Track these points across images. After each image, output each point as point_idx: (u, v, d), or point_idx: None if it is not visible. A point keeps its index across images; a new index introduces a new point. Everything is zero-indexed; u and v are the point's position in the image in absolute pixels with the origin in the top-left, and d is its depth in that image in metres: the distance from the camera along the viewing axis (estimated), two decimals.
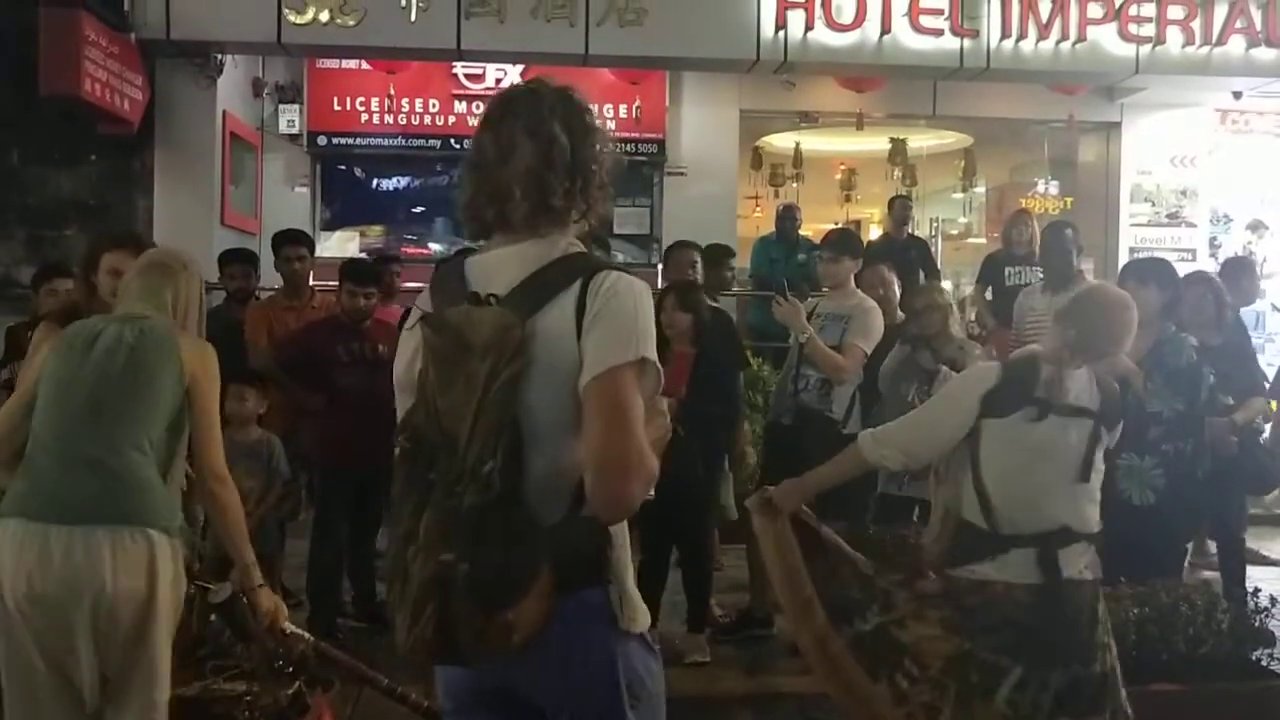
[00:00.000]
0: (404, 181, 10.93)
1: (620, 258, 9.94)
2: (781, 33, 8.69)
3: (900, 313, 6.01)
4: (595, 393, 1.94)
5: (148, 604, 3.08)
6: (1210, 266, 10.33)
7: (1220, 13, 9.00)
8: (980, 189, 13.97)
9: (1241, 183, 11.31)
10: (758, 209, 13.28)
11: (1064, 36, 8.92)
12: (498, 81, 10.27)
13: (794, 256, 9.63)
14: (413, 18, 8.37)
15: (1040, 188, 12.00)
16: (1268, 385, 6.19)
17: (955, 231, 14.75)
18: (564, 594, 1.94)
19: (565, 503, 1.99)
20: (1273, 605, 4.73)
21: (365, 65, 10.16)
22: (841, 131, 11.71)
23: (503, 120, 2.12)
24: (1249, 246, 10.97)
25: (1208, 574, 6.31)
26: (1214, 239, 11.18)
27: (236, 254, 7.12)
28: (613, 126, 10.06)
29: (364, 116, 10.37)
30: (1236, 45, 9.06)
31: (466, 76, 10.36)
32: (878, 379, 5.50)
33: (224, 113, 9.13)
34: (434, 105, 10.41)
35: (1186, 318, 5.61)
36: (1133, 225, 10.78)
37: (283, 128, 10.26)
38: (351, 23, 8.35)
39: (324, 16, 8.32)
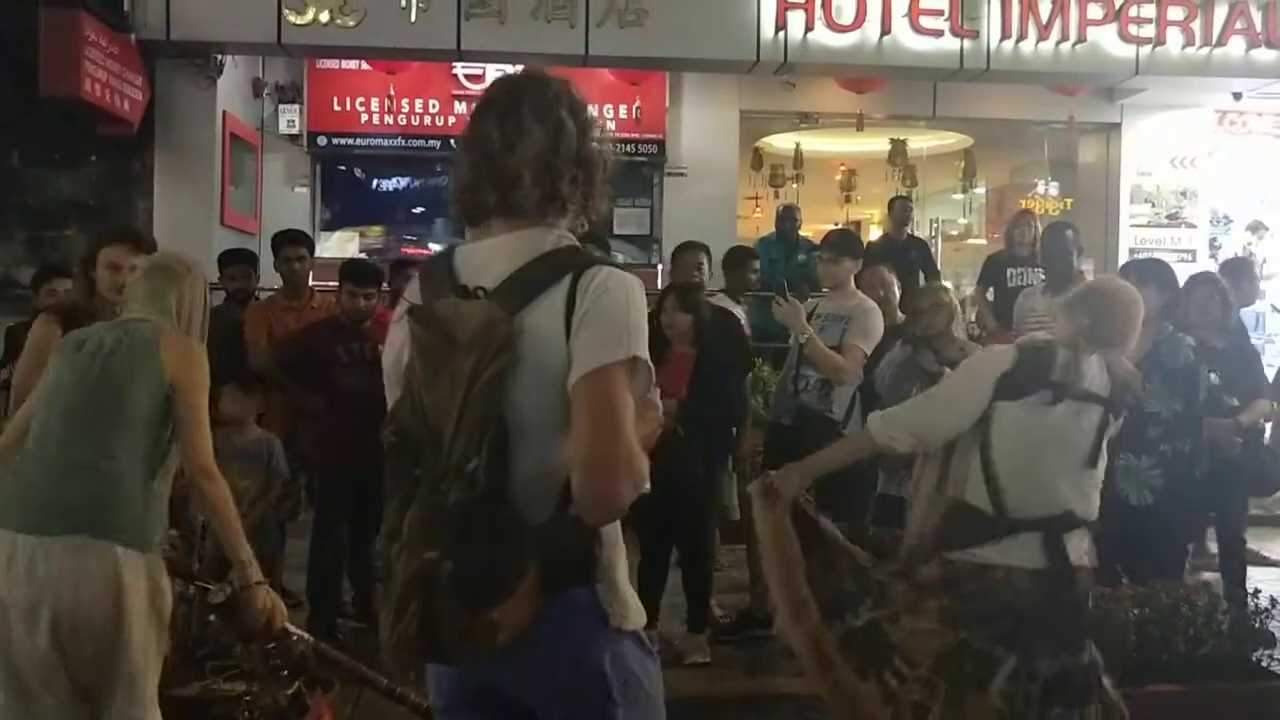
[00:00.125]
0: (404, 182, 10.93)
1: (620, 258, 9.94)
2: (781, 33, 8.70)
3: (900, 314, 6.01)
4: (584, 391, 1.91)
5: (116, 620, 3.00)
6: (1210, 267, 10.35)
7: (1220, 14, 9.01)
8: (980, 190, 13.98)
9: (1241, 184, 11.31)
10: (758, 209, 13.28)
11: (1064, 37, 8.92)
12: (484, 90, 10.25)
13: (794, 257, 9.62)
14: (413, 18, 8.38)
15: (1040, 189, 12.01)
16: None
17: (955, 232, 14.75)
18: (551, 593, 1.91)
19: (552, 502, 1.95)
20: (1273, 606, 4.73)
21: (365, 66, 10.16)
22: (841, 132, 11.71)
23: (511, 106, 2.08)
24: (1249, 247, 10.98)
25: (1208, 575, 6.30)
26: (1214, 240, 11.18)
27: (236, 254, 7.12)
28: (613, 127, 10.05)
29: (364, 117, 10.38)
30: (1236, 46, 9.07)
31: (466, 77, 10.36)
32: (875, 379, 5.49)
33: (224, 113, 9.13)
34: (434, 106, 10.41)
35: (1193, 318, 5.62)
36: (1133, 226, 10.78)
37: (283, 128, 10.26)
38: (351, 23, 8.35)
39: (324, 17, 8.32)
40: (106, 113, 8.03)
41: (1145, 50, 9.02)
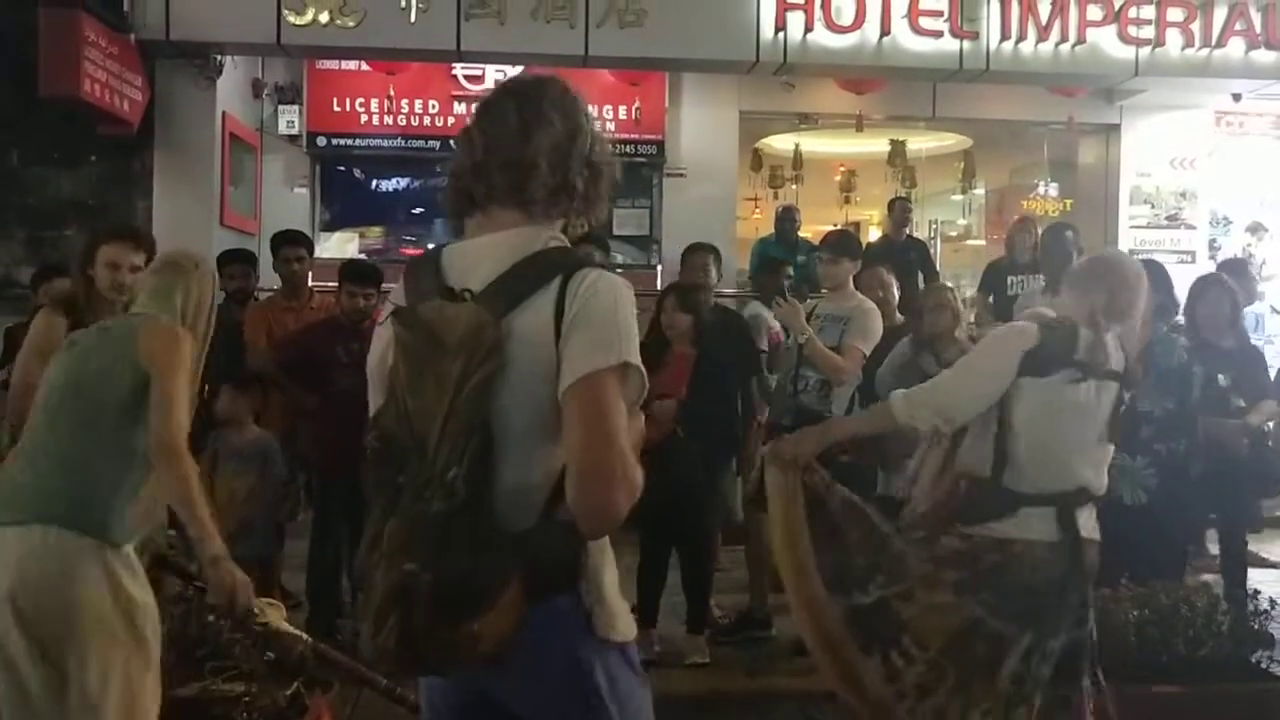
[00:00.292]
0: (403, 182, 10.92)
1: (619, 258, 9.94)
2: (781, 34, 8.69)
3: (899, 315, 6.01)
4: (575, 399, 1.86)
5: (66, 613, 2.96)
6: (1209, 269, 10.35)
7: (1220, 15, 9.01)
8: (980, 191, 13.99)
9: (1241, 185, 11.31)
10: (757, 210, 13.28)
11: (1063, 38, 8.92)
12: (497, 83, 10.22)
13: (793, 258, 9.62)
14: (412, 19, 8.37)
15: (1040, 190, 12.01)
16: None
17: (954, 233, 14.77)
18: (536, 601, 1.87)
19: (538, 509, 1.91)
20: (1272, 607, 4.73)
21: (365, 66, 10.15)
22: (841, 133, 11.71)
23: (533, 96, 2.05)
24: (1248, 248, 10.98)
25: (1207, 576, 6.30)
26: (1213, 241, 11.18)
27: (235, 254, 7.12)
28: (612, 128, 10.06)
29: (363, 117, 10.36)
30: (1236, 47, 9.06)
31: (466, 78, 10.35)
32: (876, 381, 5.49)
33: (223, 113, 9.12)
34: (433, 106, 10.40)
35: (1201, 320, 5.63)
36: (1132, 227, 10.77)
37: (282, 129, 10.25)
38: (351, 24, 8.35)
39: (324, 17, 8.32)
40: (106, 113, 8.03)
41: (1145, 51, 9.02)
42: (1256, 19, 9.04)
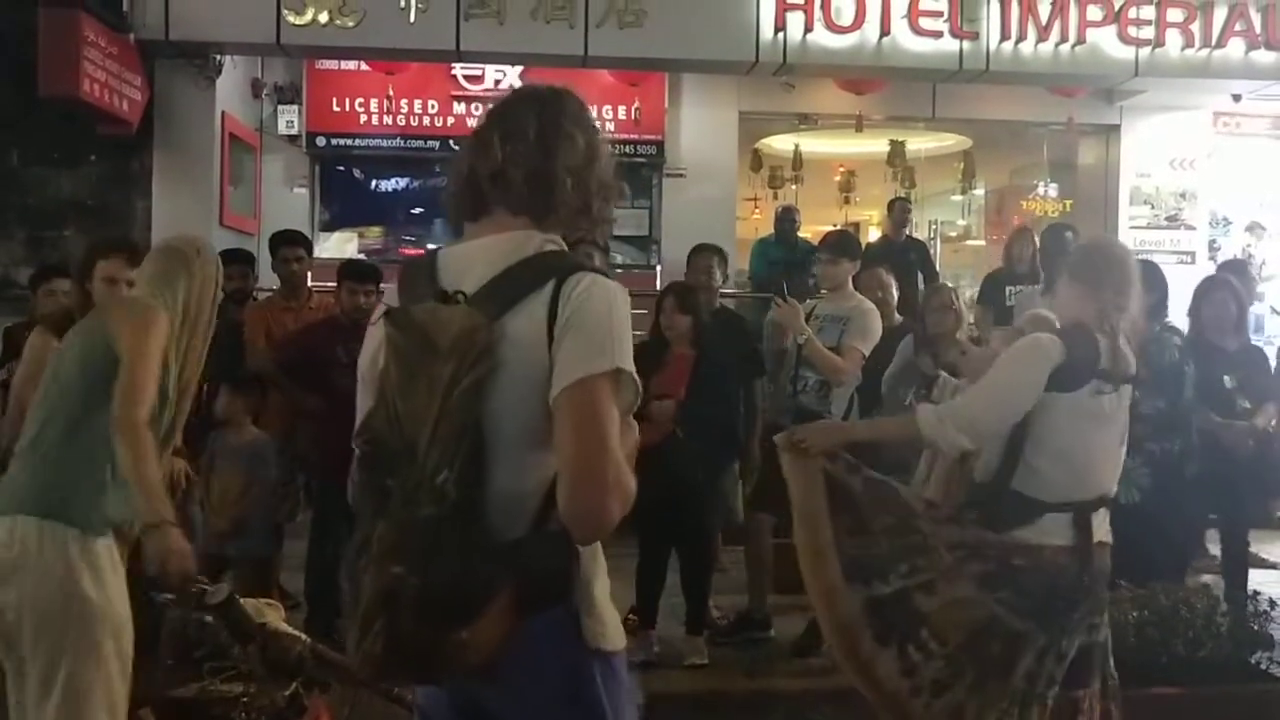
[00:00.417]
0: (403, 183, 10.92)
1: (619, 259, 9.94)
2: (781, 34, 8.69)
3: (898, 315, 6.00)
4: (567, 404, 1.84)
5: (20, 604, 2.96)
6: (1209, 269, 10.35)
7: (1220, 15, 9.00)
8: (979, 191, 13.99)
9: (1240, 185, 11.31)
10: (757, 211, 13.28)
11: (1063, 39, 8.91)
12: (496, 83, 10.27)
13: (793, 258, 9.62)
14: (412, 19, 8.36)
15: (1040, 190, 12.02)
16: None
17: (954, 234, 14.77)
18: (527, 612, 1.85)
19: (529, 517, 1.89)
20: (1272, 608, 4.73)
21: (364, 66, 10.15)
22: (841, 133, 11.71)
23: (551, 109, 2.05)
24: (1248, 249, 10.98)
25: (1207, 577, 6.30)
26: (1213, 241, 11.18)
27: (233, 255, 7.09)
28: (612, 128, 10.07)
29: (363, 117, 10.36)
30: (1236, 48, 9.06)
31: (465, 78, 10.36)
32: (882, 382, 5.49)
33: (223, 113, 9.12)
34: (433, 106, 10.40)
35: (1206, 322, 5.63)
36: (1132, 228, 10.76)
37: (282, 129, 10.25)
38: (351, 24, 8.34)
39: (323, 17, 8.31)
40: (105, 113, 8.02)
41: (1145, 52, 9.01)
42: (1256, 19, 9.03)
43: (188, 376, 3.37)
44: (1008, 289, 7.88)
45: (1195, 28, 8.99)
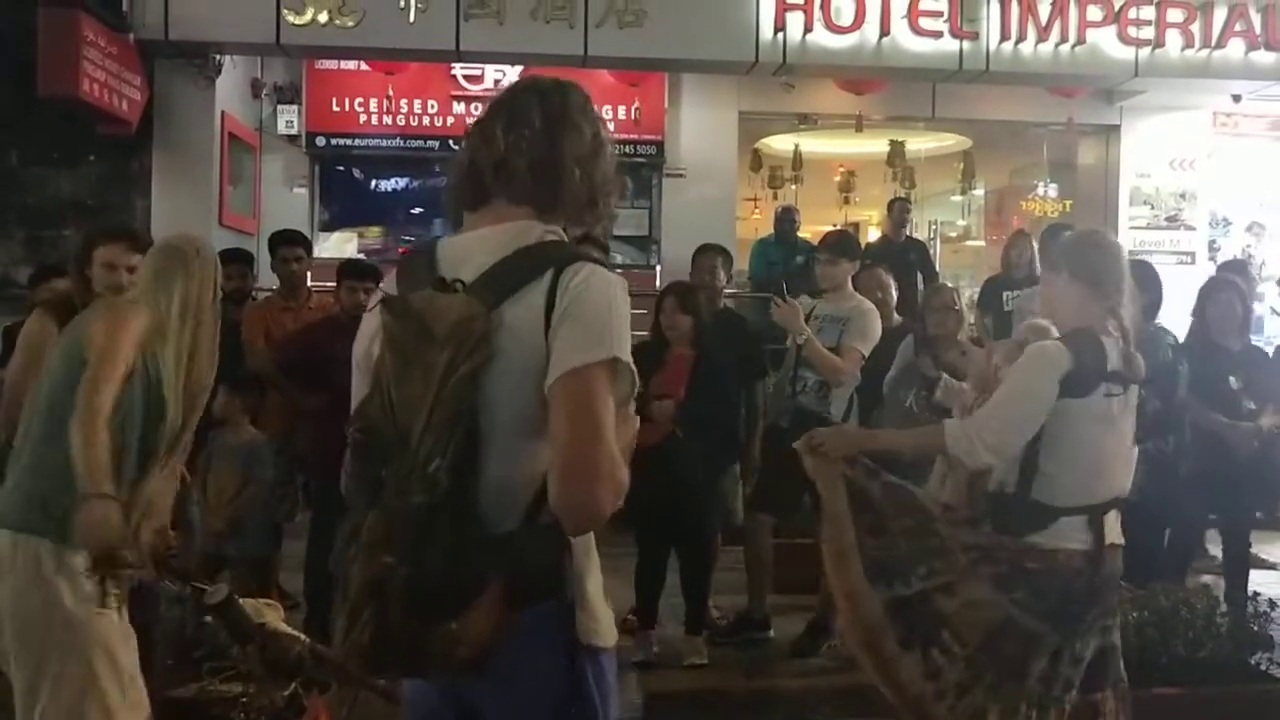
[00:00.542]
0: (403, 182, 10.93)
1: (619, 259, 9.94)
2: (780, 34, 8.69)
3: (897, 316, 5.99)
4: (562, 393, 1.82)
5: (9, 611, 2.95)
6: (1209, 270, 10.35)
7: (1220, 16, 9.01)
8: (979, 191, 13.99)
9: (1240, 186, 11.31)
10: (756, 211, 13.29)
11: (1063, 39, 8.92)
12: (496, 83, 10.27)
13: (793, 258, 9.62)
14: (411, 19, 8.37)
15: (1039, 190, 12.02)
16: None
17: (954, 234, 14.78)
18: (519, 607, 1.82)
19: (521, 510, 1.87)
20: (1272, 609, 4.72)
21: (364, 66, 10.15)
22: (840, 134, 11.71)
23: (555, 100, 2.03)
24: (1248, 249, 10.98)
25: (1206, 577, 6.30)
26: (1213, 242, 11.19)
27: (232, 254, 7.08)
28: (612, 128, 10.00)
29: (363, 117, 10.37)
30: (1236, 48, 9.06)
31: (465, 78, 10.36)
32: (884, 384, 5.48)
33: (222, 113, 9.12)
34: (433, 106, 10.41)
35: (1210, 321, 5.62)
36: (1132, 228, 10.77)
37: (281, 128, 10.26)
38: (350, 24, 8.34)
39: (323, 17, 8.31)
40: (105, 112, 8.03)
41: (1144, 52, 9.01)
42: (1256, 20, 9.03)
43: (196, 379, 3.33)
44: (1004, 294, 7.85)
45: (1195, 28, 9.00)
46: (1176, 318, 5.80)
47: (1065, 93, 10.20)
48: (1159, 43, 8.99)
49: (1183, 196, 10.82)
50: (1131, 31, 8.96)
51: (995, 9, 8.86)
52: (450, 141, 10.28)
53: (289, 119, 10.23)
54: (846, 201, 13.55)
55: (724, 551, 5.93)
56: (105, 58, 7.85)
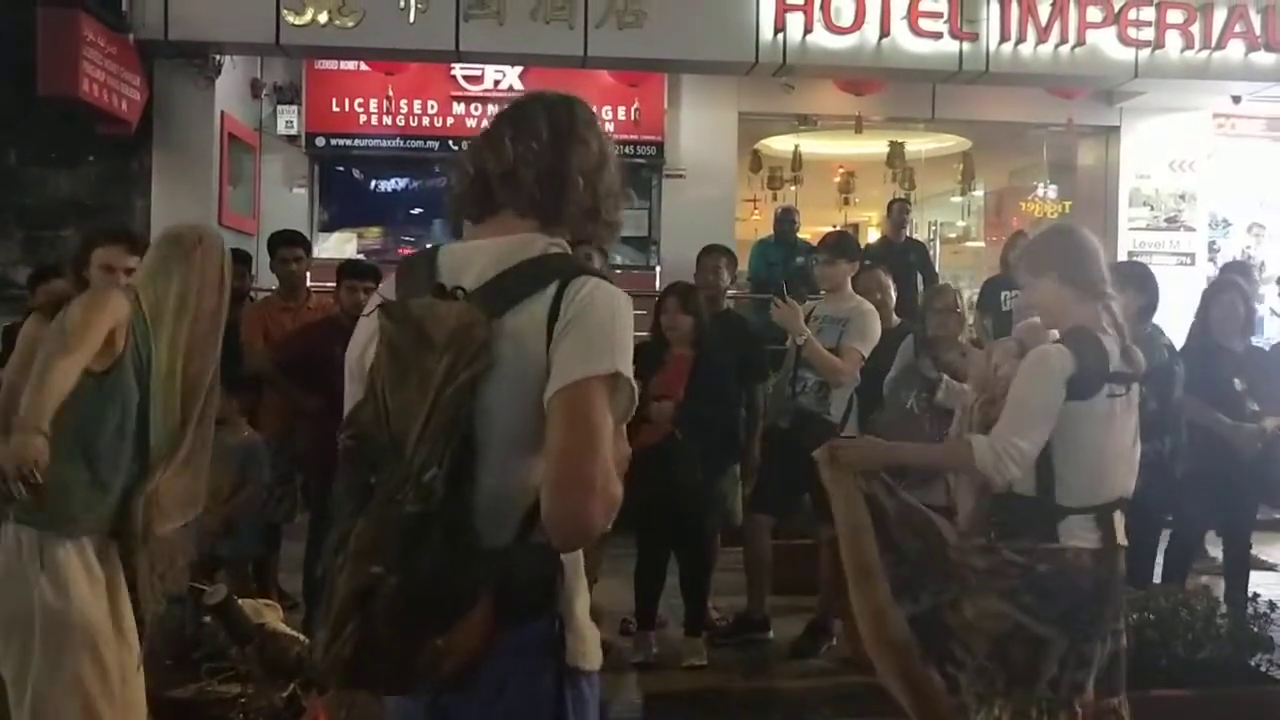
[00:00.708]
0: (402, 183, 10.93)
1: (619, 259, 9.94)
2: (780, 35, 8.69)
3: (896, 317, 5.99)
4: (561, 405, 1.79)
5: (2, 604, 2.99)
6: (1209, 271, 10.35)
7: (1219, 17, 9.01)
8: (979, 192, 13.99)
9: (1240, 187, 11.31)
10: (756, 211, 13.28)
11: (1063, 40, 8.92)
12: (496, 84, 10.29)
13: (792, 259, 9.62)
14: (411, 19, 8.37)
15: (1039, 191, 12.02)
16: None
17: (954, 235, 14.77)
18: (506, 625, 1.78)
19: (514, 526, 1.83)
20: (1272, 610, 4.72)
21: (364, 66, 10.15)
22: (840, 134, 11.71)
23: (562, 112, 2.02)
24: (1248, 250, 10.98)
25: (1206, 578, 6.30)
26: (1213, 243, 11.19)
27: (231, 254, 7.08)
28: (612, 129, 10.06)
29: (362, 118, 10.37)
30: (1235, 50, 9.07)
31: (465, 78, 10.36)
32: (884, 385, 5.47)
33: (222, 113, 9.12)
34: (432, 107, 10.41)
35: (1214, 323, 5.62)
36: (1131, 229, 10.77)
37: (281, 129, 10.26)
38: (350, 24, 8.34)
39: (323, 18, 8.32)
40: (105, 112, 8.03)
41: (1144, 53, 9.02)
42: (1256, 21, 9.04)
43: (195, 372, 3.31)
44: (1004, 294, 7.85)
45: (1195, 29, 9.00)
46: (1177, 319, 5.80)
47: (1065, 94, 10.20)
48: (1159, 44, 8.99)
49: (1182, 198, 10.82)
50: (1131, 33, 8.97)
51: (995, 10, 8.86)
52: (450, 142, 10.28)
53: (289, 119, 10.23)
54: (846, 202, 13.55)
55: (724, 552, 5.92)
56: (105, 58, 7.85)
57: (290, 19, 8.28)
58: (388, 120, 10.37)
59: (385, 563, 1.72)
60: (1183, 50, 9.03)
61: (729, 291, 6.75)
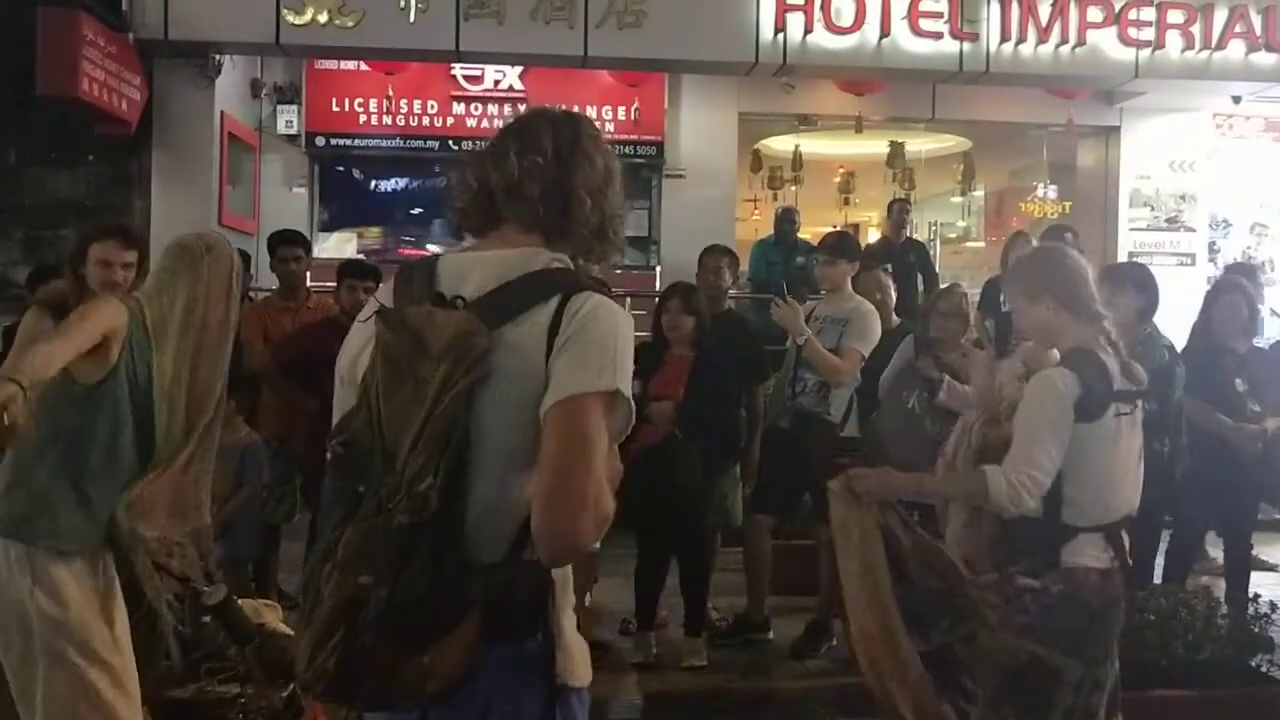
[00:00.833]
0: (402, 183, 10.93)
1: (619, 260, 9.92)
2: (780, 35, 8.69)
3: (896, 317, 5.98)
4: (557, 418, 1.76)
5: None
6: (1209, 271, 10.35)
7: (1220, 17, 9.01)
8: (979, 193, 14.00)
9: (1240, 187, 11.30)
10: (756, 212, 13.28)
11: (1063, 40, 8.92)
12: (496, 83, 10.28)
13: (793, 259, 9.61)
14: (411, 19, 8.37)
15: (1039, 192, 12.01)
16: None
17: (954, 235, 14.77)
18: (494, 642, 1.75)
19: (506, 541, 1.80)
20: (1273, 611, 4.71)
21: (364, 66, 10.15)
22: (840, 134, 11.72)
23: (567, 129, 2.00)
24: (1248, 251, 10.97)
25: (1206, 579, 6.29)
26: (1213, 244, 11.18)
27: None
28: (612, 129, 10.06)
29: (362, 118, 10.36)
30: (1236, 50, 9.06)
31: (465, 78, 10.36)
32: (879, 383, 5.46)
33: (222, 113, 9.12)
34: (432, 107, 10.40)
35: (1216, 324, 5.62)
36: (1132, 230, 10.77)
37: (281, 128, 10.25)
38: (350, 24, 8.34)
39: (323, 17, 8.31)
40: (104, 112, 8.02)
41: (1145, 53, 9.01)
42: (1257, 21, 9.03)
43: (202, 383, 3.28)
44: (1003, 295, 7.82)
45: (1195, 29, 9.00)
46: (1177, 319, 5.80)
47: (1065, 94, 10.19)
48: (1159, 44, 8.99)
49: (1183, 198, 10.81)
50: (1132, 33, 8.96)
51: (995, 10, 8.86)
52: (450, 142, 10.28)
53: (289, 119, 10.22)
54: (846, 203, 13.55)
55: (724, 552, 5.92)
56: (105, 57, 7.85)
57: (290, 19, 8.28)
58: (388, 120, 10.37)
59: (374, 574, 1.69)
60: (1183, 50, 9.03)
61: (730, 292, 6.73)
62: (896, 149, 11.79)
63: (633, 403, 1.86)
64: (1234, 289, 5.90)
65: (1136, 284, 4.89)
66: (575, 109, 2.11)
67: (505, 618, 1.77)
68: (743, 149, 11.33)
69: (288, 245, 6.62)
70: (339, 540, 1.76)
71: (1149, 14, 8.96)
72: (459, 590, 1.73)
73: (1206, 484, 5.38)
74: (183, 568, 3.36)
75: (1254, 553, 6.18)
